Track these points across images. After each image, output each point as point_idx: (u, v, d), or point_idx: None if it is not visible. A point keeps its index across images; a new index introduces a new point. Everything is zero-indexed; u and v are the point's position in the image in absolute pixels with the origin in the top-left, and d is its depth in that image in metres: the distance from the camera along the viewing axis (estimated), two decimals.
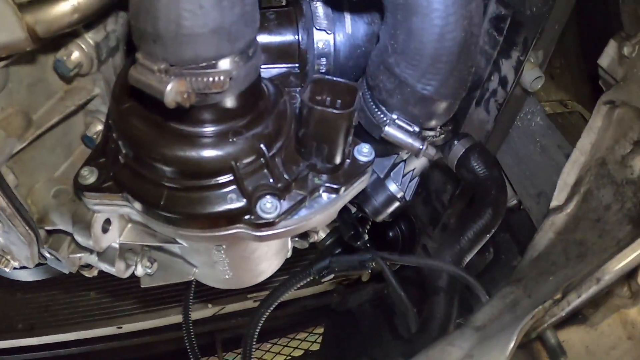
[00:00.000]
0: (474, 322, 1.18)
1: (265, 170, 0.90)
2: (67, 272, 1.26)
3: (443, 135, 1.11)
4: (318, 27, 1.06)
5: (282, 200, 0.90)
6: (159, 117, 0.88)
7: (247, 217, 0.89)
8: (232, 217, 0.89)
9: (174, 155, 0.86)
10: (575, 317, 1.13)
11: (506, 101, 1.50)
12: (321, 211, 0.95)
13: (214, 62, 0.80)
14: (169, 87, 0.74)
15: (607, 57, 1.30)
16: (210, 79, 0.79)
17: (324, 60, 1.07)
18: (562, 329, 1.14)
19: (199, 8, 0.75)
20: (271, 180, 0.90)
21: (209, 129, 0.87)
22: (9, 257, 1.16)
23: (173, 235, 0.95)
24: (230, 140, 0.87)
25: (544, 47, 1.49)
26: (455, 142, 1.36)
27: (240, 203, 0.88)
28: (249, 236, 0.92)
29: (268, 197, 0.89)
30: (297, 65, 1.08)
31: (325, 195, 0.95)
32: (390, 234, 1.92)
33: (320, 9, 1.07)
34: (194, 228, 0.90)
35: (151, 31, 0.76)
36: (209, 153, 0.86)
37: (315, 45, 1.06)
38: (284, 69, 1.07)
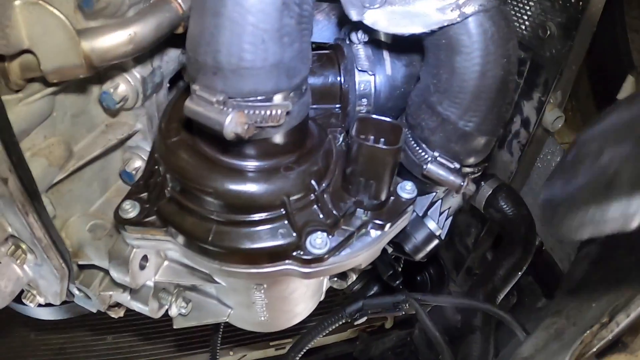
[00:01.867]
0: (521, 354, 1.18)
1: (315, 206, 0.91)
2: (94, 311, 1.23)
3: (480, 173, 1.12)
4: (360, 69, 1.07)
5: (331, 236, 0.90)
6: (209, 151, 0.88)
7: (296, 252, 0.88)
8: (281, 253, 0.89)
9: (225, 188, 0.85)
10: (615, 345, 1.13)
11: (529, 142, 1.52)
12: (368, 247, 0.94)
13: (271, 96, 0.81)
14: (228, 118, 0.75)
15: (625, 92, 1.34)
16: (268, 112, 0.80)
17: (364, 101, 1.08)
18: (603, 357, 1.14)
19: (261, 42, 0.76)
20: (321, 216, 0.90)
21: (260, 164, 0.88)
22: (35, 292, 1.12)
23: (217, 271, 0.94)
24: (282, 175, 0.87)
25: (563, 87, 1.52)
26: (483, 183, 1.37)
27: (290, 238, 0.88)
28: (296, 273, 0.91)
29: (318, 232, 0.89)
30: (338, 105, 1.09)
31: (372, 232, 0.95)
32: (418, 278, 1.90)
33: (361, 51, 1.09)
34: (241, 264, 0.90)
35: (212, 63, 0.78)
36: (261, 187, 0.86)
37: (356, 87, 1.08)
38: (326, 109, 1.08)
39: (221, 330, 1.65)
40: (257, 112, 0.79)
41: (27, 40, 0.82)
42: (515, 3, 1.54)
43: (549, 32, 1.46)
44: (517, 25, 1.54)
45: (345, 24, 1.15)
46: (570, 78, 1.51)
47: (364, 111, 1.10)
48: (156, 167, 0.95)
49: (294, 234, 0.88)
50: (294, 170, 0.88)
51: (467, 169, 1.08)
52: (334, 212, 0.91)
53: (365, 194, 0.93)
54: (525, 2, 1.51)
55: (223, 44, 0.76)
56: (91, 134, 1.03)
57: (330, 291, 1.26)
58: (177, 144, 0.90)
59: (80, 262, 1.07)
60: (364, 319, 1.44)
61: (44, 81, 0.89)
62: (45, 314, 1.54)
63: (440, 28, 0.94)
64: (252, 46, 0.76)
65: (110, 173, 1.11)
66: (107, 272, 1.06)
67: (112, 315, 1.27)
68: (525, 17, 1.53)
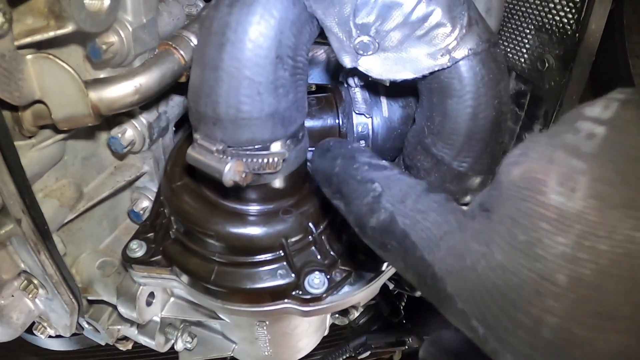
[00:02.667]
0: None
1: (313, 248, 0.94)
2: (103, 344, 1.27)
3: None
4: (357, 112, 1.10)
5: (328, 276, 0.93)
6: (211, 195, 0.92)
7: (295, 292, 0.91)
8: (280, 292, 0.92)
9: (226, 231, 0.89)
10: None
11: None
12: (365, 287, 0.97)
13: (268, 144, 0.84)
14: (227, 167, 0.79)
15: None
16: (265, 160, 0.83)
17: (363, 143, 1.11)
18: None
19: (257, 94, 0.80)
20: (318, 257, 0.93)
21: (259, 208, 0.91)
22: (46, 324, 1.17)
23: (219, 309, 0.97)
24: (281, 218, 0.90)
25: None
26: None
27: (289, 279, 0.91)
28: (295, 311, 0.94)
29: (316, 272, 0.92)
30: None
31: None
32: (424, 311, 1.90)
33: (358, 94, 1.12)
34: (242, 303, 0.93)
35: (211, 114, 0.81)
36: (260, 230, 0.89)
37: (354, 129, 1.11)
38: None
39: None
40: (254, 160, 0.82)
41: (39, 91, 0.86)
42: (514, 37, 1.56)
43: (547, 65, 1.47)
44: (516, 58, 1.56)
45: (343, 68, 1.18)
46: (571, 108, 1.52)
47: None
48: (162, 208, 0.98)
49: (293, 275, 0.91)
50: (292, 214, 0.91)
51: (464, 207, 1.10)
52: (332, 252, 0.94)
53: None
54: (524, 35, 1.53)
55: (221, 96, 0.80)
56: (101, 176, 1.07)
57: (336, 325, 1.27)
58: (181, 188, 0.94)
59: (90, 298, 1.11)
60: (368, 353, 1.45)
61: (55, 128, 0.93)
62: (56, 345, 1.57)
63: (432, 73, 0.97)
64: (249, 98, 0.79)
65: (119, 212, 1.15)
66: (115, 307, 1.10)
67: (121, 348, 1.31)
68: (524, 50, 1.54)
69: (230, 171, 0.79)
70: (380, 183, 0.71)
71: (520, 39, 1.56)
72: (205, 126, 0.83)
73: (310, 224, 0.92)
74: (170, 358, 2.32)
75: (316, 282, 0.91)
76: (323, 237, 0.95)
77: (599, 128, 0.55)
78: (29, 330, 1.14)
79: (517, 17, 1.55)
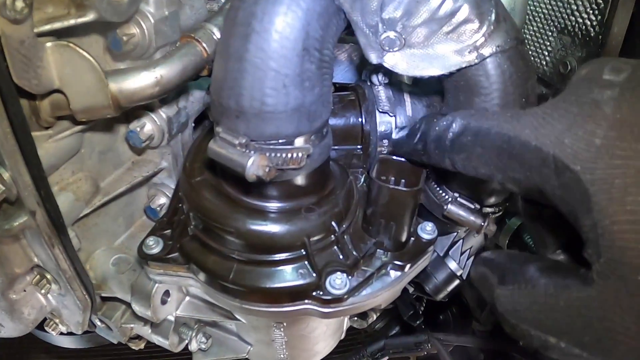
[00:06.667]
0: None
1: (335, 247, 0.91)
2: (115, 342, 1.25)
3: (501, 213, 1.12)
4: (381, 110, 1.08)
5: (350, 277, 0.90)
6: (231, 191, 0.90)
7: (315, 292, 0.89)
8: (301, 293, 0.89)
9: (247, 229, 0.87)
10: None
11: None
12: (387, 288, 0.95)
13: (292, 139, 0.82)
14: (250, 161, 0.76)
15: None
16: (289, 155, 0.81)
17: (385, 142, 1.09)
18: None
19: (282, 87, 0.78)
20: (341, 257, 0.91)
21: (282, 205, 0.89)
22: (57, 320, 1.15)
23: (237, 309, 0.95)
24: (303, 216, 0.88)
25: None
26: (507, 221, 1.36)
27: (310, 279, 0.89)
28: (315, 312, 0.91)
29: (338, 273, 0.89)
30: (360, 146, 1.10)
31: (392, 273, 0.96)
32: (441, 316, 1.88)
33: (382, 92, 1.10)
34: (261, 302, 0.90)
35: (235, 107, 0.79)
36: (282, 228, 0.87)
37: (378, 128, 1.09)
38: (347, 150, 1.09)
39: None
40: (278, 155, 0.80)
41: (58, 80, 0.85)
42: (535, 39, 1.54)
43: (569, 68, 1.46)
44: (538, 61, 1.54)
45: (366, 66, 1.16)
46: None
47: (384, 152, 1.10)
48: (180, 204, 0.96)
49: (314, 275, 0.89)
50: (315, 212, 0.89)
51: (488, 209, 1.08)
52: (354, 253, 0.92)
53: (386, 235, 0.94)
54: (546, 38, 1.51)
55: (246, 89, 0.78)
56: (118, 171, 1.06)
57: (352, 329, 1.25)
58: (200, 184, 0.92)
59: (103, 295, 1.09)
60: (385, 358, 1.43)
61: (73, 119, 0.92)
62: (66, 343, 1.56)
63: (459, 70, 0.95)
64: (274, 91, 0.77)
65: (135, 209, 1.14)
66: (129, 305, 1.08)
67: (133, 347, 1.29)
68: (546, 53, 1.53)
69: (254, 165, 0.77)
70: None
71: (542, 41, 1.54)
72: (227, 119, 0.81)
73: (334, 223, 0.89)
74: (183, 359, 2.33)
75: (338, 282, 0.88)
76: (346, 237, 0.92)
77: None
78: (40, 326, 1.13)
79: (539, 19, 1.53)
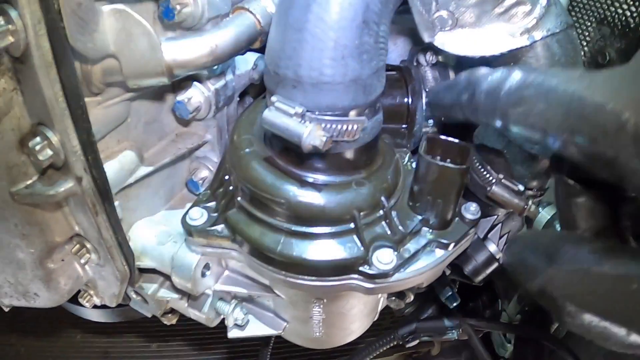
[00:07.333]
0: None
1: (384, 222, 0.91)
2: (149, 315, 1.25)
3: (542, 196, 1.12)
4: (427, 90, 1.09)
5: (397, 253, 0.90)
6: (282, 163, 0.90)
7: (362, 267, 0.89)
8: (348, 266, 0.89)
9: (297, 200, 0.87)
10: None
11: None
12: (432, 266, 0.94)
13: (348, 111, 0.83)
14: (307, 130, 0.77)
15: None
16: (345, 127, 0.81)
17: (431, 122, 1.09)
18: None
19: (341, 58, 0.78)
20: (388, 232, 0.91)
21: (333, 178, 0.89)
22: (92, 292, 1.14)
23: (280, 282, 0.94)
24: (354, 189, 0.88)
25: None
26: (540, 209, 1.35)
27: (358, 253, 0.89)
28: (360, 288, 0.91)
29: (385, 248, 0.89)
30: (405, 125, 1.10)
31: (436, 251, 0.96)
32: (471, 304, 1.88)
33: (428, 73, 1.11)
34: (307, 275, 0.90)
35: (292, 77, 0.79)
36: (332, 200, 0.87)
37: (423, 107, 1.09)
38: (393, 129, 1.10)
39: (271, 345, 1.64)
40: (333, 126, 0.80)
41: (113, 45, 0.85)
42: (574, 29, 1.53)
43: (608, 58, 1.45)
44: None
45: (412, 47, 1.16)
46: None
47: (429, 132, 1.10)
48: (226, 177, 0.96)
49: (362, 249, 0.89)
50: (366, 186, 0.89)
51: (530, 192, 1.08)
52: (401, 229, 0.91)
53: (432, 213, 0.94)
54: (585, 28, 1.50)
55: (304, 59, 0.78)
56: (162, 142, 1.06)
57: (380, 313, 1.25)
58: (250, 155, 0.92)
59: (142, 266, 1.09)
60: (416, 342, 1.43)
61: (123, 86, 0.92)
62: (95, 316, 1.56)
63: (509, 51, 0.95)
64: (333, 61, 0.77)
65: (177, 181, 1.14)
66: (167, 277, 1.08)
67: (165, 322, 1.29)
68: (585, 43, 1.52)
69: (310, 135, 0.77)
70: None
71: (580, 31, 1.53)
72: (284, 89, 0.81)
73: (383, 198, 0.89)
74: (210, 335, 2.32)
75: (385, 258, 0.88)
76: (393, 213, 0.92)
77: None
78: (72, 299, 1.13)
79: (578, 9, 1.53)
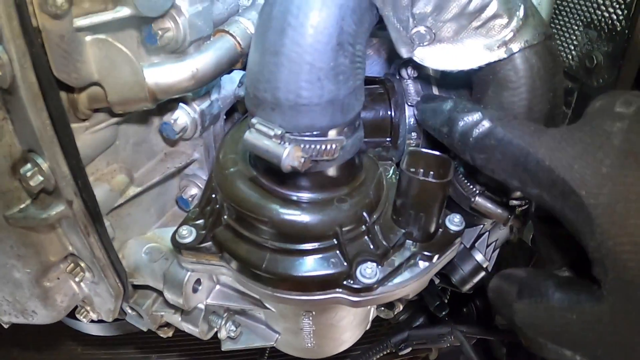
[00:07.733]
0: None
1: (366, 237, 0.93)
2: (144, 330, 1.27)
3: (527, 206, 1.13)
4: (410, 104, 1.10)
5: (380, 266, 0.92)
6: (265, 182, 0.92)
7: (346, 281, 0.91)
8: (332, 281, 0.91)
9: (280, 218, 0.89)
10: None
11: None
12: (416, 278, 0.96)
13: (326, 131, 0.84)
14: (286, 152, 0.78)
15: None
16: (323, 146, 0.83)
17: (414, 135, 1.10)
18: None
19: (317, 80, 0.79)
20: (371, 247, 0.93)
21: (315, 195, 0.91)
22: (89, 308, 1.17)
23: (268, 297, 0.97)
24: (336, 207, 0.90)
25: None
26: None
27: (341, 268, 0.90)
28: (345, 301, 0.93)
29: (368, 262, 0.91)
30: (389, 139, 1.11)
31: (420, 263, 0.97)
32: (464, 310, 1.89)
33: (411, 86, 1.12)
34: (293, 290, 0.92)
35: (271, 99, 0.81)
36: (315, 218, 0.89)
37: (407, 121, 1.10)
38: (377, 143, 1.11)
39: (266, 355, 1.66)
40: (312, 146, 0.82)
41: (96, 73, 0.87)
42: (562, 34, 1.54)
43: (595, 62, 1.45)
44: (564, 55, 1.54)
45: (395, 60, 1.17)
46: None
47: (413, 144, 1.12)
48: (213, 195, 0.98)
49: (345, 264, 0.90)
50: (347, 202, 0.90)
51: (515, 202, 1.09)
52: (384, 243, 0.93)
53: (415, 226, 0.95)
54: (572, 32, 1.51)
55: (282, 82, 0.79)
56: (151, 162, 1.08)
57: (374, 321, 1.27)
58: (234, 174, 0.94)
59: (136, 283, 1.11)
60: (409, 349, 1.44)
61: (109, 111, 0.94)
62: (94, 330, 1.58)
63: (487, 64, 0.96)
64: (309, 84, 0.79)
65: (167, 199, 1.16)
66: (160, 293, 1.10)
67: (161, 335, 1.31)
68: (572, 47, 1.52)
69: (289, 156, 0.79)
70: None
71: (568, 35, 1.53)
72: (263, 111, 0.83)
73: (365, 214, 0.91)
74: (207, 347, 2.35)
75: (368, 272, 0.90)
76: (376, 227, 0.94)
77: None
78: (70, 314, 1.15)
79: (565, 14, 1.53)
